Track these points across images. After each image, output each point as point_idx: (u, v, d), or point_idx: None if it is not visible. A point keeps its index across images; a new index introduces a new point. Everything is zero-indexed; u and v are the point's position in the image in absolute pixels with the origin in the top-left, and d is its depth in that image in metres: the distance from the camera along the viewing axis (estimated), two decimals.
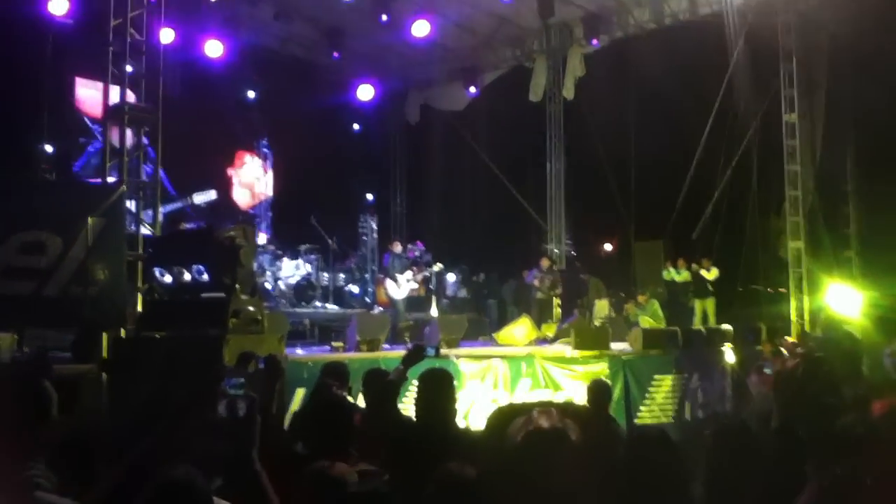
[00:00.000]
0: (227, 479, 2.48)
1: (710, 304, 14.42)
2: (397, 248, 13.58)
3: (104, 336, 7.50)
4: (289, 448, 4.53)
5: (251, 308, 6.87)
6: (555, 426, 2.30)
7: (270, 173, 17.52)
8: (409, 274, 13.35)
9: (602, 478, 2.63)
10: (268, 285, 13.86)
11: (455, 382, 4.38)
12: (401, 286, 13.12)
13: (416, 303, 13.88)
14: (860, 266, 14.10)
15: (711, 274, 14.55)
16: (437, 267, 15.04)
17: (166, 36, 14.23)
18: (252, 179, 17.12)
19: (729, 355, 11.20)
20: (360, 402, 5.87)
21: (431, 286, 14.89)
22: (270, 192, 17.39)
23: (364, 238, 17.55)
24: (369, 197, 19.27)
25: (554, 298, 15.52)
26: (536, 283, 15.11)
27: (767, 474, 2.91)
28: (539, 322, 13.42)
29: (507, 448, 2.27)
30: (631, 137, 16.32)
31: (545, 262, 15.51)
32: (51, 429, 2.56)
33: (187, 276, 6.71)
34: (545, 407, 2.48)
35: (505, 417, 2.65)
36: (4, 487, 2.29)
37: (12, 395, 2.48)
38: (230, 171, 16.68)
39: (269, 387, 3.80)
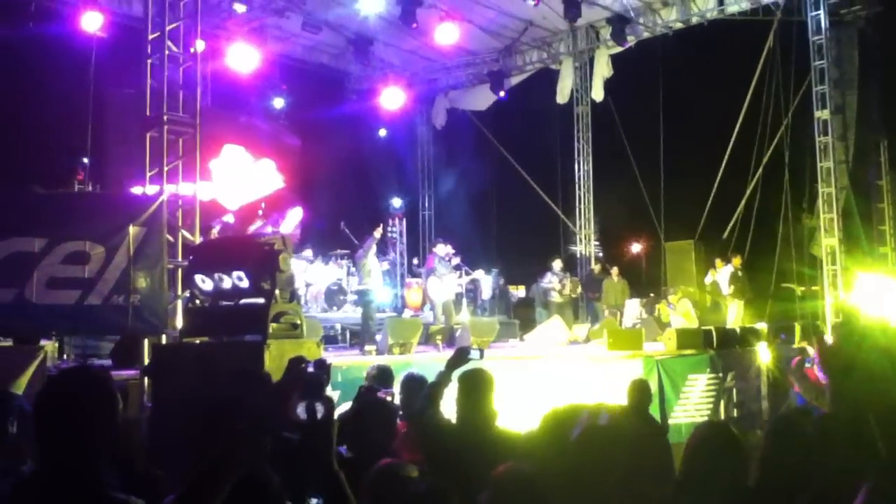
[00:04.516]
0: (308, 479, 2.55)
1: (743, 304, 14.31)
2: (441, 250, 13.58)
3: (146, 343, 7.64)
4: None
5: (290, 312, 6.94)
6: (611, 424, 2.35)
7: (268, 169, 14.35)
8: (454, 276, 13.38)
9: (652, 473, 2.67)
10: (299, 291, 13.99)
11: (494, 384, 4.38)
12: (446, 288, 13.11)
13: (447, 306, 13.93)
14: None
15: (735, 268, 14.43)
16: (478, 273, 15.16)
17: (197, 47, 14.55)
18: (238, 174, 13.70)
19: (763, 354, 11.12)
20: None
21: (464, 290, 15.00)
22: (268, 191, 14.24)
23: (393, 243, 17.64)
24: (397, 202, 19.38)
25: (574, 299, 15.54)
26: (556, 286, 15.03)
27: (822, 466, 2.89)
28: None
29: (566, 446, 2.32)
30: (660, 137, 16.25)
31: (558, 264, 15.41)
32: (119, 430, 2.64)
33: (227, 283, 6.79)
34: (598, 407, 2.52)
35: (560, 418, 2.69)
36: (78, 484, 2.36)
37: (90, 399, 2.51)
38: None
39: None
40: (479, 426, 4.10)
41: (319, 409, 2.31)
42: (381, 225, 12.48)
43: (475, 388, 4.18)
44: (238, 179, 13.17)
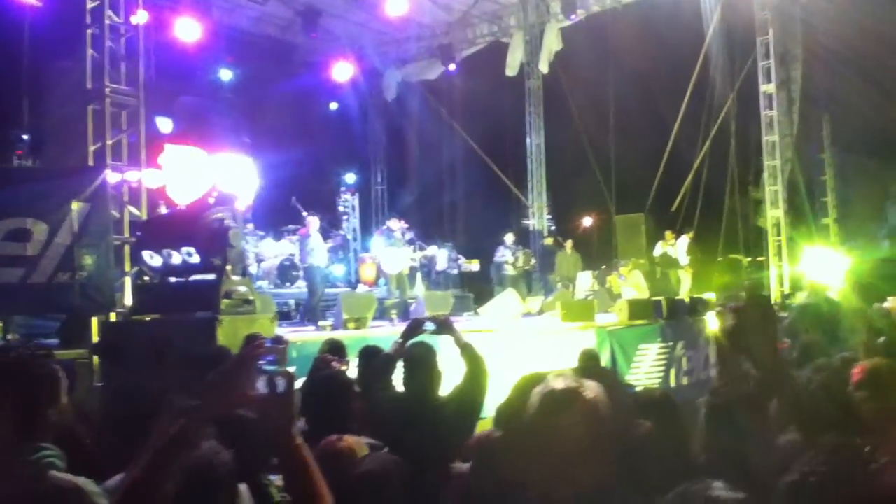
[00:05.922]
0: (265, 456, 2.53)
1: (690, 274, 14.63)
2: (395, 224, 13.51)
3: (94, 321, 7.46)
4: None
5: (242, 288, 6.86)
6: (569, 386, 2.37)
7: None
8: (407, 251, 13.35)
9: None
10: (251, 267, 13.79)
11: (435, 355, 4.48)
12: (397, 262, 13.05)
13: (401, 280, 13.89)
14: (838, 233, 14.36)
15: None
16: (432, 248, 15.13)
17: (140, 18, 14.09)
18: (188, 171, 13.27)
19: (712, 323, 11.37)
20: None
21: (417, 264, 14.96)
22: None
23: (346, 218, 17.50)
24: (350, 176, 19.20)
25: (528, 272, 15.68)
26: (509, 259, 15.16)
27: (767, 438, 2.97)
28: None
29: (527, 411, 2.36)
30: (610, 111, 16.38)
31: (510, 238, 15.56)
32: (61, 412, 2.59)
33: (177, 259, 6.67)
34: (563, 372, 2.55)
35: (528, 384, 2.75)
36: (18, 468, 2.32)
37: (26, 378, 2.50)
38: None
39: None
40: (420, 396, 4.24)
41: (280, 383, 2.27)
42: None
43: (416, 360, 4.33)
44: (188, 175, 12.94)
